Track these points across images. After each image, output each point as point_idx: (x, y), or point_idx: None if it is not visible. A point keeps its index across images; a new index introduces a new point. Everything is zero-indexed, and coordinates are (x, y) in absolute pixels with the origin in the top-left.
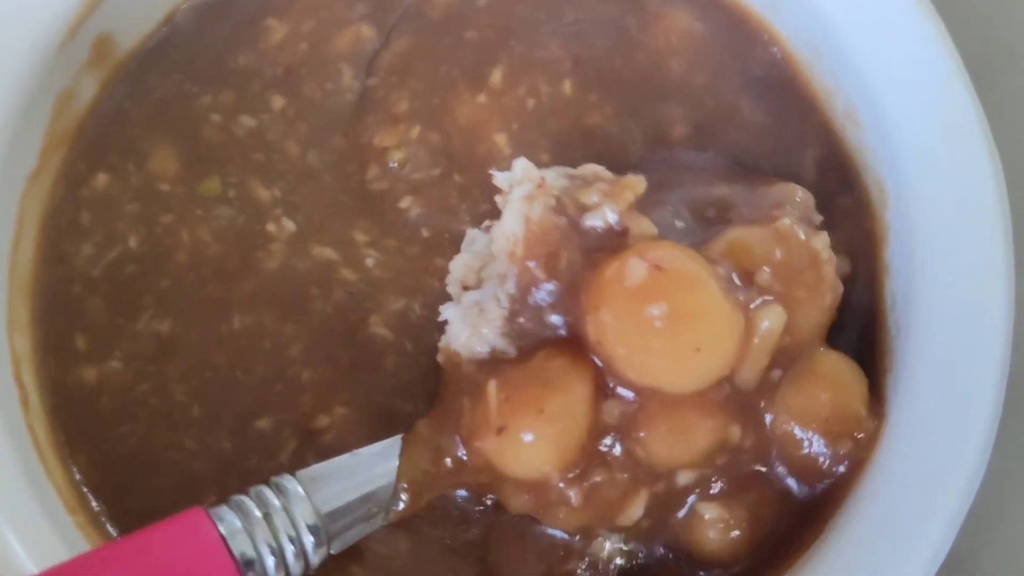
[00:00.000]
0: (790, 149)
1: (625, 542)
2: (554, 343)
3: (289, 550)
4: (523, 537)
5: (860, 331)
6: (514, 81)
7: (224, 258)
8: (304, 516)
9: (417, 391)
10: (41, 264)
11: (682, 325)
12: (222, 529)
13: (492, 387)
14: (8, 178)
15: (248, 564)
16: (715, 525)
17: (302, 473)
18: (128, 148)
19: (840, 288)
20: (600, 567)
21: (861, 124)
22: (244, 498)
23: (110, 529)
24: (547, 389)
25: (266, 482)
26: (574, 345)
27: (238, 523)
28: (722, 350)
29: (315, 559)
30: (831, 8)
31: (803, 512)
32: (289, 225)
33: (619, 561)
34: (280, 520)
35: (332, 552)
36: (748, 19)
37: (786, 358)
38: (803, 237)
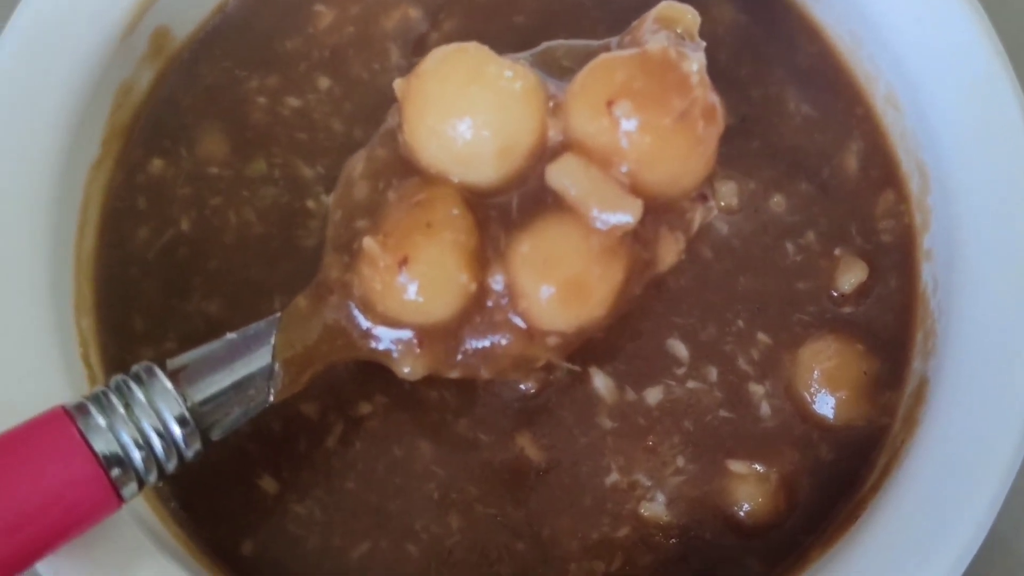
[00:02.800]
0: (835, 140)
1: (667, 505)
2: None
3: (157, 443)
4: (573, 507)
5: (901, 316)
6: None
7: (268, 238)
8: (170, 408)
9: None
10: (102, 248)
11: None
12: (80, 426)
13: (367, 240)
14: (74, 168)
15: (115, 460)
16: (748, 480)
17: (171, 362)
18: (180, 134)
19: (720, 118)
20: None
21: (902, 109)
22: (107, 392)
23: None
24: (420, 207)
25: (129, 373)
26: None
27: (100, 420)
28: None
29: (189, 451)
30: None
31: (843, 487)
32: (327, 201)
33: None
34: (143, 412)
35: (213, 439)
36: (791, 9)
37: (662, 206)
38: (674, 57)
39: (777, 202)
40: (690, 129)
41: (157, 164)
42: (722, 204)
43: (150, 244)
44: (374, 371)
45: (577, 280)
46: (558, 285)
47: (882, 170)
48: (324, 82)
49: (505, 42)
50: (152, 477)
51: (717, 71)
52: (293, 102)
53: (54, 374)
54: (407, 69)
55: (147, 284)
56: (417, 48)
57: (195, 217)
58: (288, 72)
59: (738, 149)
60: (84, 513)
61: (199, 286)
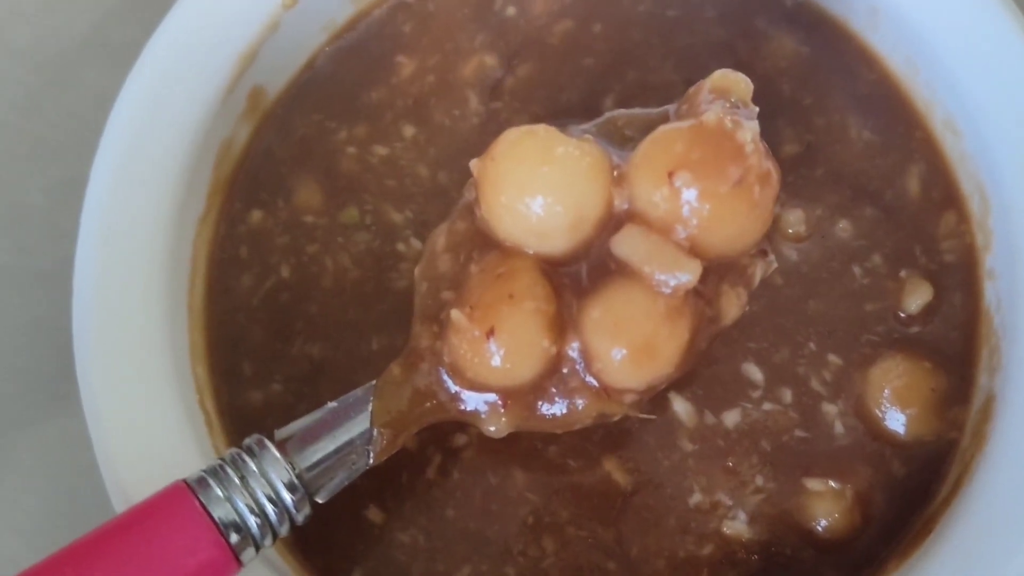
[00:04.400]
0: (896, 164)
1: (748, 523)
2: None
3: (270, 509)
4: (659, 527)
5: (966, 334)
6: (627, 105)
7: (363, 282)
8: (280, 476)
9: None
10: (210, 298)
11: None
12: (201, 497)
13: (455, 312)
14: (183, 224)
15: (233, 527)
16: (824, 497)
17: (279, 432)
18: (277, 185)
19: (775, 180)
20: (732, 550)
21: (960, 133)
22: (224, 465)
23: None
24: (501, 279)
25: (241, 447)
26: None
27: (219, 491)
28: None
29: (299, 515)
30: (924, 20)
31: (916, 501)
32: (417, 244)
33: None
34: (257, 482)
35: (320, 501)
36: (850, 39)
37: (724, 264)
38: (729, 127)
39: (843, 227)
40: (746, 194)
41: (256, 215)
42: (790, 232)
43: (254, 292)
44: None
45: (646, 341)
46: (629, 347)
47: (943, 192)
48: (409, 130)
49: (576, 84)
50: (268, 541)
51: (782, 101)
52: (381, 150)
53: (177, 421)
54: (485, 115)
55: (253, 330)
56: (495, 94)
57: (294, 264)
58: (375, 122)
59: (803, 177)
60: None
61: (301, 330)
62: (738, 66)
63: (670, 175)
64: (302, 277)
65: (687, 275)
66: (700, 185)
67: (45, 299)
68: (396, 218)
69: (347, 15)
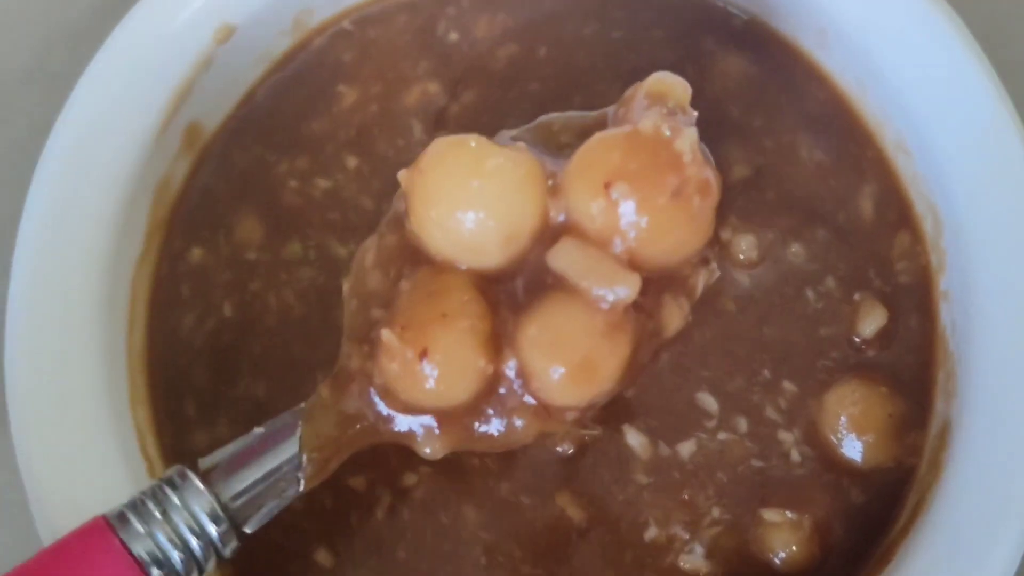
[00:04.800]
0: (848, 185)
1: (706, 557)
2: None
3: (194, 543)
4: (615, 564)
5: (922, 357)
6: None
7: (307, 319)
8: (203, 506)
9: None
10: (151, 339)
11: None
12: (121, 534)
13: (386, 333)
14: (120, 265)
15: (155, 563)
16: (782, 528)
17: (203, 462)
18: (217, 222)
19: (715, 189)
20: None
21: (911, 153)
22: (144, 499)
23: None
24: (433, 296)
25: (163, 479)
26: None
27: (139, 527)
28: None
29: (226, 548)
30: (872, 40)
31: (875, 529)
32: None
33: None
34: (179, 515)
35: (248, 531)
36: (799, 58)
37: (664, 275)
38: (667, 135)
39: (795, 251)
40: (685, 205)
41: (197, 253)
42: (741, 258)
43: (196, 331)
44: None
45: (585, 358)
46: (567, 365)
47: (897, 212)
48: (352, 161)
49: (522, 109)
50: None
51: (730, 124)
52: (323, 183)
53: (115, 468)
54: (429, 144)
55: (196, 371)
56: (439, 122)
57: (237, 302)
58: (317, 153)
59: (754, 201)
60: None
61: (246, 370)
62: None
63: (606, 186)
64: (245, 315)
65: (626, 289)
66: (637, 196)
67: None
68: (340, 252)
69: (284, 47)
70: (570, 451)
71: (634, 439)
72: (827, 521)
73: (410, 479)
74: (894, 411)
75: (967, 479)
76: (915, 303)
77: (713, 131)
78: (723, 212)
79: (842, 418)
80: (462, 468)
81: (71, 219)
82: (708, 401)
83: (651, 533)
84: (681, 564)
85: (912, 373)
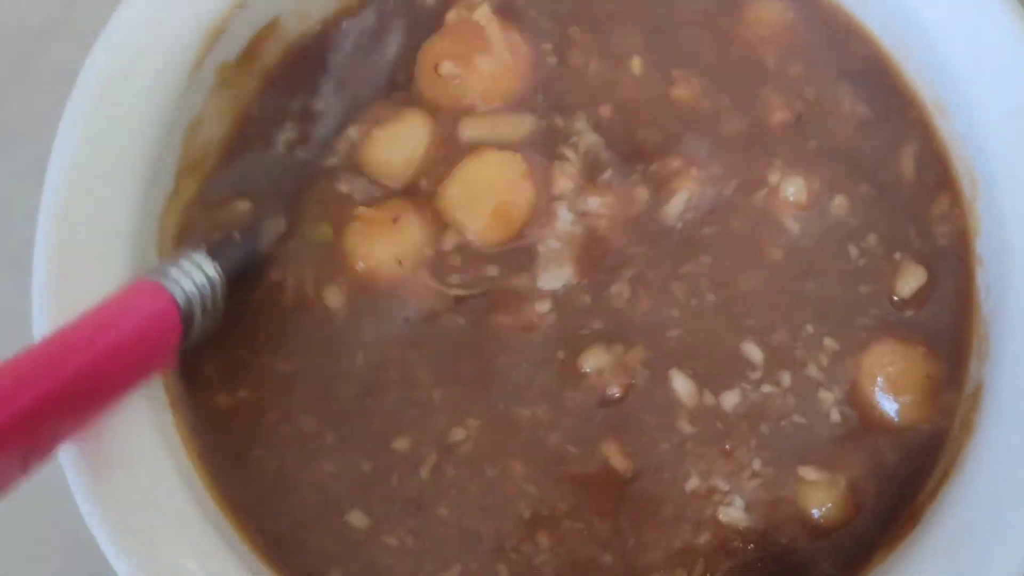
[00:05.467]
0: (891, 142)
1: (745, 510)
2: None
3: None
4: (656, 516)
5: (959, 319)
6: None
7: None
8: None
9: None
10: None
11: None
12: (175, 295)
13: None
14: (150, 202)
15: (188, 320)
16: (819, 486)
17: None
18: None
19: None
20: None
21: (950, 115)
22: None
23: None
24: None
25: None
26: None
27: (180, 289)
28: None
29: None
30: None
31: (905, 491)
32: None
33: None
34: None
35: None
36: (837, 14)
37: None
38: (467, 14)
39: (839, 204)
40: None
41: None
42: (791, 199)
43: None
44: (469, 394)
45: None
46: None
47: (936, 174)
48: None
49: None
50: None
51: (766, 70)
52: None
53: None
54: None
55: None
56: None
57: None
58: None
59: (796, 148)
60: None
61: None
62: (719, 32)
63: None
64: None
65: None
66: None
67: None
68: None
69: None
70: (617, 394)
71: (680, 384)
72: (862, 480)
73: (458, 434)
74: (931, 372)
75: (997, 442)
76: (953, 265)
77: (748, 77)
78: (767, 154)
79: (879, 378)
80: (512, 420)
81: (101, 155)
82: (754, 352)
83: (692, 483)
84: (720, 517)
85: (948, 334)
